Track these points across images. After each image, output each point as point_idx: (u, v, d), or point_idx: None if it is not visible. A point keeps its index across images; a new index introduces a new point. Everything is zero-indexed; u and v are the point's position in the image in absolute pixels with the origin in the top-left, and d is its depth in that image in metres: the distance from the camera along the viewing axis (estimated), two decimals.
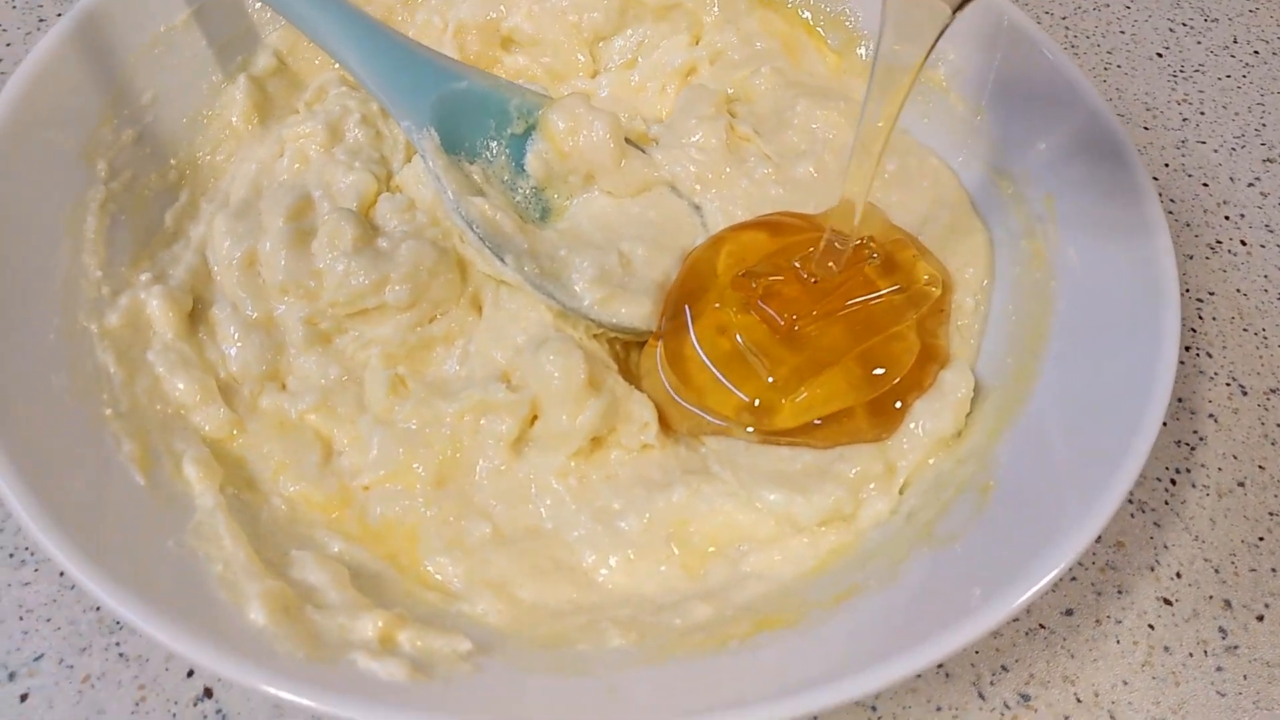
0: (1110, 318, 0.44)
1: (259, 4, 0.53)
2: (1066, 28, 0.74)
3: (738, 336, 0.46)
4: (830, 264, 0.47)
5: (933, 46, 0.38)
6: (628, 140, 0.52)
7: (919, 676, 0.45)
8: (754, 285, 0.47)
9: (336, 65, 0.54)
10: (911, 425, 0.45)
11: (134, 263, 0.46)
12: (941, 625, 0.35)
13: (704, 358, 0.46)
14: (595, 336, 0.49)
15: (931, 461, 0.45)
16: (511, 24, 0.58)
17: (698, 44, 0.59)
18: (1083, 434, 0.41)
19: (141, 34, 0.49)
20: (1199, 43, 0.74)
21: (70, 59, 0.47)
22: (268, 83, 0.53)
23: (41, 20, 0.67)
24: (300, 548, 0.40)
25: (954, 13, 0.37)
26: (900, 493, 0.44)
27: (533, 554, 0.42)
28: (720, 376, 0.46)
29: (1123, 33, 0.74)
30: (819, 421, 0.45)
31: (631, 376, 0.48)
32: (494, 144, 0.50)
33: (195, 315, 0.46)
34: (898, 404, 0.45)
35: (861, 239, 0.48)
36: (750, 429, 0.45)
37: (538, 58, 0.59)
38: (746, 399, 0.45)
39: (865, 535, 0.43)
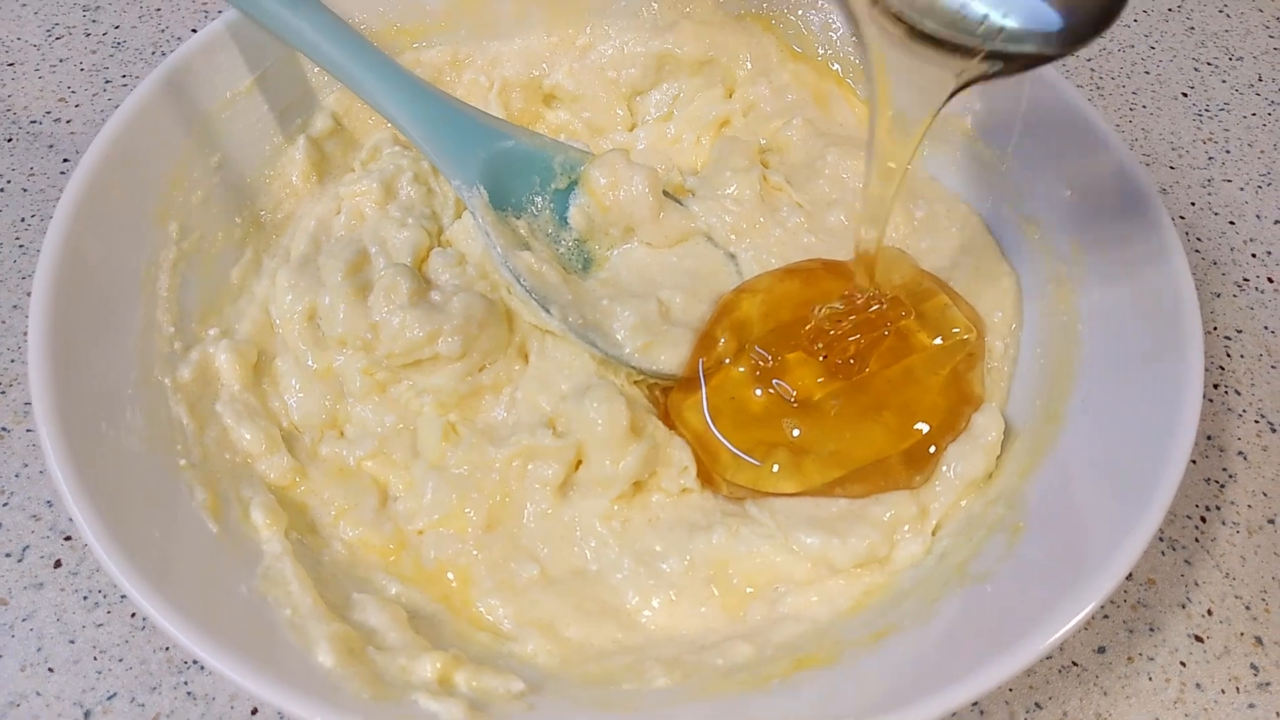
0: (1135, 360, 0.45)
1: (317, 69, 0.56)
2: (1092, 69, 0.75)
3: (759, 392, 0.48)
4: (855, 333, 0.48)
5: (942, 107, 0.39)
6: (665, 193, 0.54)
7: (953, 714, 0.46)
8: (768, 361, 0.48)
9: (390, 125, 0.57)
10: (944, 468, 0.46)
11: (203, 318, 0.49)
12: (976, 663, 0.36)
13: (730, 409, 0.48)
14: (636, 382, 0.50)
15: (963, 503, 0.46)
16: (553, 81, 0.60)
17: (731, 97, 0.61)
18: (1110, 474, 0.42)
19: (210, 100, 0.52)
20: (1224, 81, 0.75)
21: (144, 126, 0.49)
22: (325, 143, 0.56)
23: (108, 82, 0.71)
24: (360, 590, 0.42)
25: (957, 89, 0.37)
26: (933, 534, 0.45)
27: (579, 595, 0.44)
28: (744, 429, 0.47)
29: (1147, 73, 0.75)
30: (850, 472, 0.47)
31: (669, 421, 0.50)
32: (539, 199, 0.53)
33: (259, 367, 0.49)
34: (931, 449, 0.47)
35: (884, 297, 0.49)
36: (779, 478, 0.47)
37: (578, 113, 0.61)
38: (773, 450, 0.47)
39: (899, 576, 0.44)
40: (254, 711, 0.45)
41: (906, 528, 0.45)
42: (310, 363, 0.49)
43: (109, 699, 0.45)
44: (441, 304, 0.48)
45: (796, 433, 0.47)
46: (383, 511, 0.46)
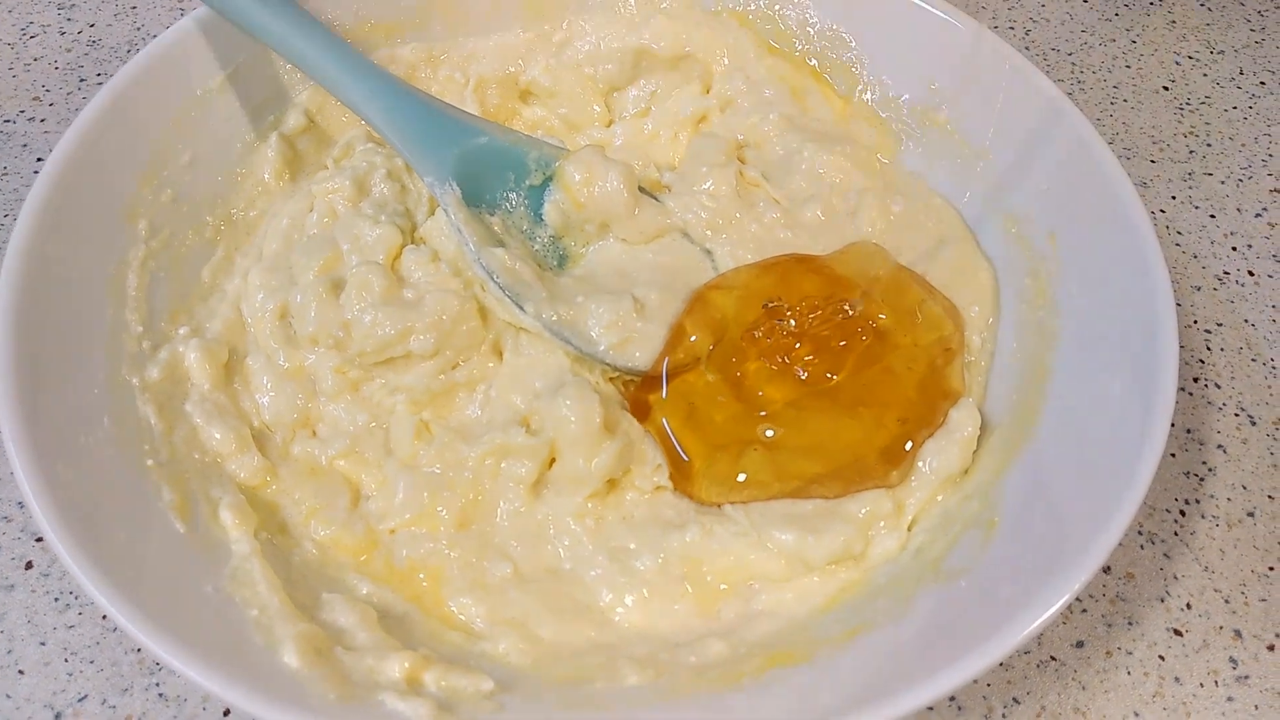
0: (1111, 354, 0.45)
1: (289, 66, 0.55)
2: (1073, 63, 0.75)
3: (730, 393, 0.48)
4: (830, 335, 0.48)
5: None
6: (641, 189, 0.53)
7: (931, 710, 0.46)
8: (740, 361, 0.48)
9: (363, 123, 0.56)
10: (920, 464, 0.46)
11: (173, 317, 0.48)
12: (950, 658, 0.35)
13: (702, 408, 0.48)
14: (611, 380, 0.50)
15: (939, 499, 0.46)
16: (529, 77, 0.60)
17: (708, 93, 0.60)
18: (1086, 468, 0.42)
19: (179, 98, 0.52)
20: (1205, 75, 0.75)
21: (112, 124, 0.49)
22: (298, 141, 0.55)
23: (82, 80, 0.70)
24: (331, 590, 0.41)
25: None
26: (908, 530, 0.45)
27: (552, 593, 0.43)
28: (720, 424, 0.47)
29: (1128, 67, 0.75)
30: (826, 470, 0.46)
31: (641, 417, 0.49)
32: (513, 195, 0.52)
33: (230, 366, 0.48)
34: (909, 445, 0.46)
35: (856, 301, 0.49)
36: (749, 486, 0.46)
37: (555, 109, 0.60)
38: (746, 449, 0.46)
39: (874, 572, 0.44)
40: (226, 713, 0.45)
41: (882, 523, 0.44)
42: (282, 361, 0.48)
43: (80, 701, 0.45)
44: (414, 301, 0.47)
45: (770, 433, 0.47)
46: (354, 511, 0.46)
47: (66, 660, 0.46)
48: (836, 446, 0.46)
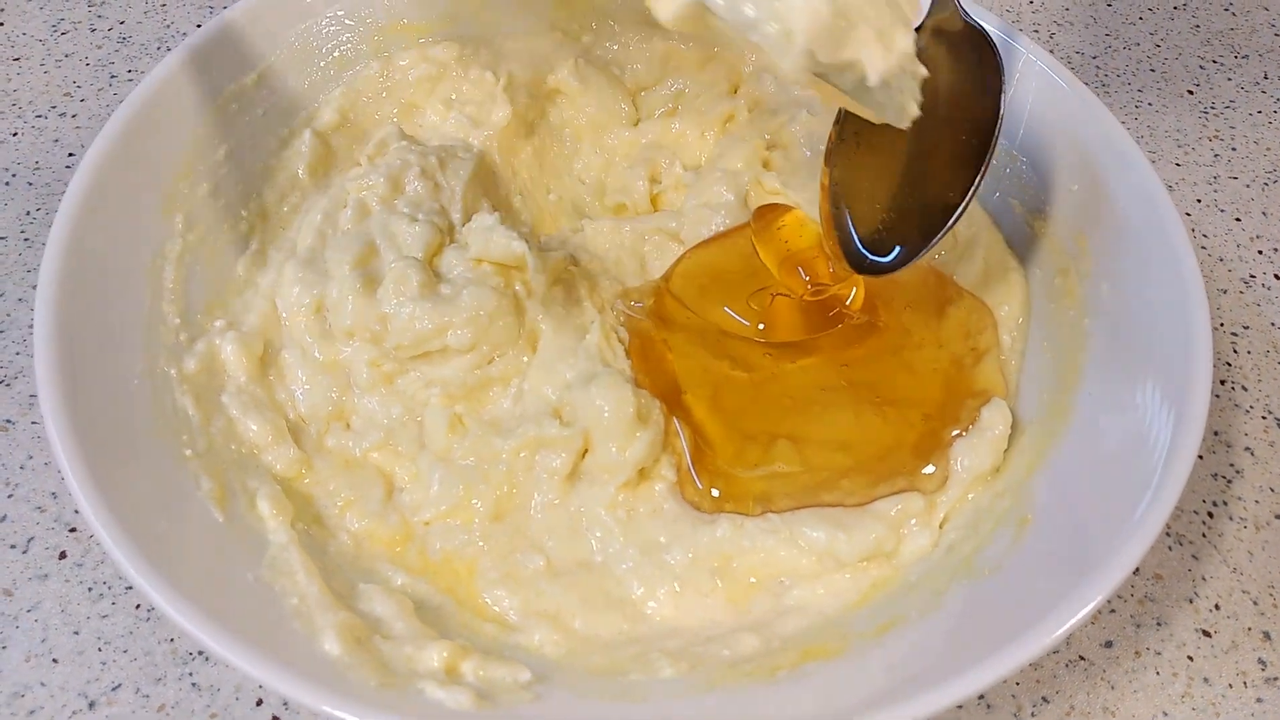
0: (1143, 354, 0.45)
1: (322, 63, 0.56)
2: (1097, 67, 0.75)
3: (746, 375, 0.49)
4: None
5: None
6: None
7: (960, 708, 0.46)
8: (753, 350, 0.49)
9: (396, 119, 0.57)
10: (952, 463, 0.46)
11: (209, 310, 0.49)
12: (983, 655, 0.36)
13: (726, 401, 0.49)
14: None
15: (970, 497, 0.46)
16: (558, 78, 0.60)
17: (735, 93, 0.61)
18: (1118, 468, 0.42)
19: (216, 92, 0.52)
20: (1229, 79, 0.75)
21: (151, 118, 0.49)
22: (331, 137, 0.56)
23: (113, 77, 0.71)
24: (366, 581, 0.42)
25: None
26: (940, 527, 0.45)
27: (584, 586, 0.44)
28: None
29: (1153, 70, 0.75)
30: (855, 463, 0.47)
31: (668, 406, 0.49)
32: None
33: (265, 359, 0.49)
34: (940, 442, 0.47)
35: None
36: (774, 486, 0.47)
37: (583, 109, 0.61)
38: (774, 442, 0.47)
39: (906, 569, 0.44)
40: (259, 703, 0.45)
41: (913, 521, 0.45)
42: (317, 355, 0.49)
43: (113, 690, 0.45)
44: (451, 297, 0.48)
45: (794, 424, 0.47)
46: (389, 503, 0.46)
47: (100, 650, 0.46)
48: (862, 440, 0.47)
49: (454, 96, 0.58)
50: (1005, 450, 0.47)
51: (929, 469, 0.46)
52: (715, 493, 0.46)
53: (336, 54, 0.57)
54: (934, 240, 0.46)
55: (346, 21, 0.57)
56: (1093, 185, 0.51)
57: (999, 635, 0.36)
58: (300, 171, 0.54)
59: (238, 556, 0.40)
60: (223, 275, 0.51)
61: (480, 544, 0.45)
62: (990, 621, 0.39)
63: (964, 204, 0.45)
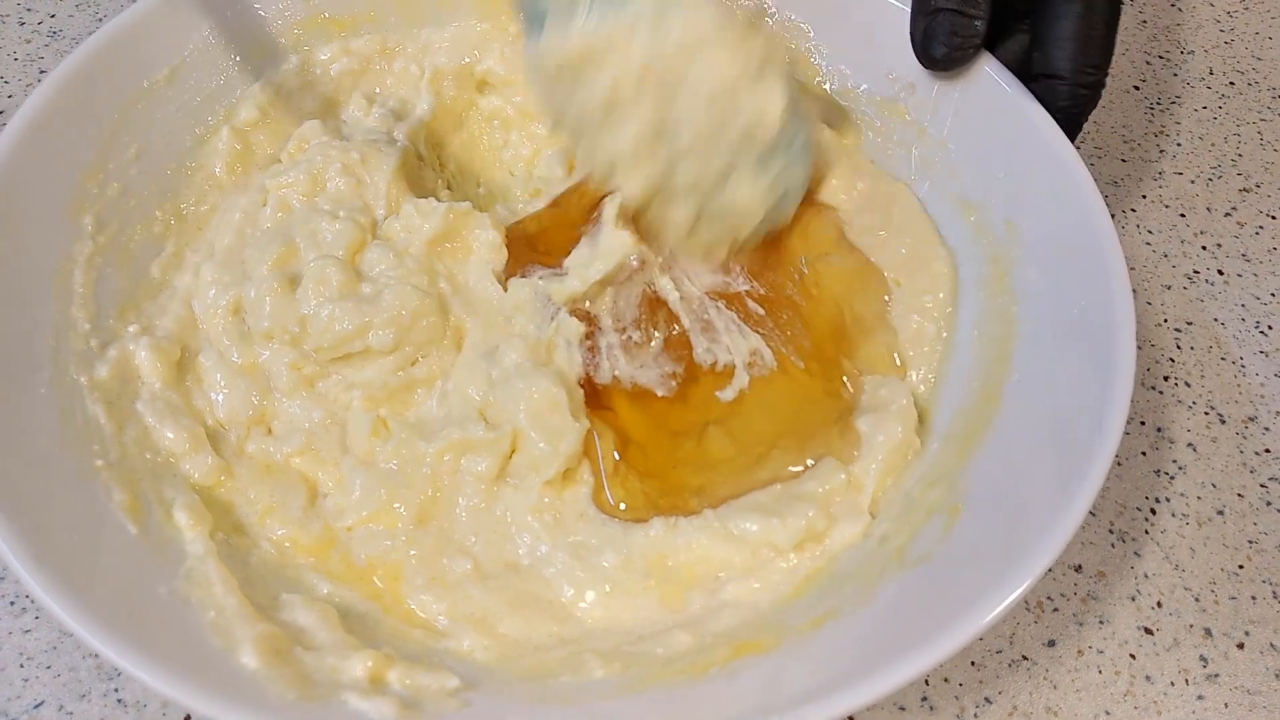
0: (1070, 341, 0.48)
1: (239, 56, 0.58)
2: None
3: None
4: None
5: None
6: None
7: (903, 709, 0.49)
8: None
9: (318, 114, 0.59)
10: (861, 428, 0.50)
11: (121, 314, 0.50)
12: (915, 644, 0.38)
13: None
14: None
15: (898, 483, 0.49)
16: (485, 67, 0.63)
17: None
18: (1047, 454, 0.45)
19: (125, 90, 0.54)
20: (1175, 75, 0.79)
21: (56, 117, 0.51)
22: (250, 134, 0.58)
23: (43, 72, 0.73)
24: (290, 590, 0.43)
25: None
26: (871, 514, 0.48)
27: (513, 589, 0.46)
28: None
29: None
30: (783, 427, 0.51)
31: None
32: None
33: (182, 364, 0.50)
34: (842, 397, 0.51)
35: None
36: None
37: (510, 98, 0.64)
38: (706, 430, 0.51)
39: (839, 560, 0.46)
40: (187, 718, 0.46)
41: (839, 501, 0.47)
42: (235, 358, 0.50)
43: (35, 707, 0.46)
44: (372, 296, 0.50)
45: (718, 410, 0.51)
46: (311, 509, 0.48)
47: (22, 666, 0.47)
48: (780, 400, 0.51)
49: (377, 90, 0.60)
50: (938, 440, 0.50)
51: (839, 430, 0.50)
52: (623, 506, 0.49)
53: (253, 48, 0.59)
54: None
55: (262, 14, 0.58)
56: (1019, 172, 0.54)
57: (931, 624, 0.39)
58: (218, 170, 0.56)
59: (153, 570, 0.41)
60: (136, 278, 0.52)
61: (406, 549, 0.46)
62: (922, 611, 0.41)
63: None
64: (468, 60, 0.63)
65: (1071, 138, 0.53)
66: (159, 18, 0.55)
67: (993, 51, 0.57)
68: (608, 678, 0.41)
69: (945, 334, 0.54)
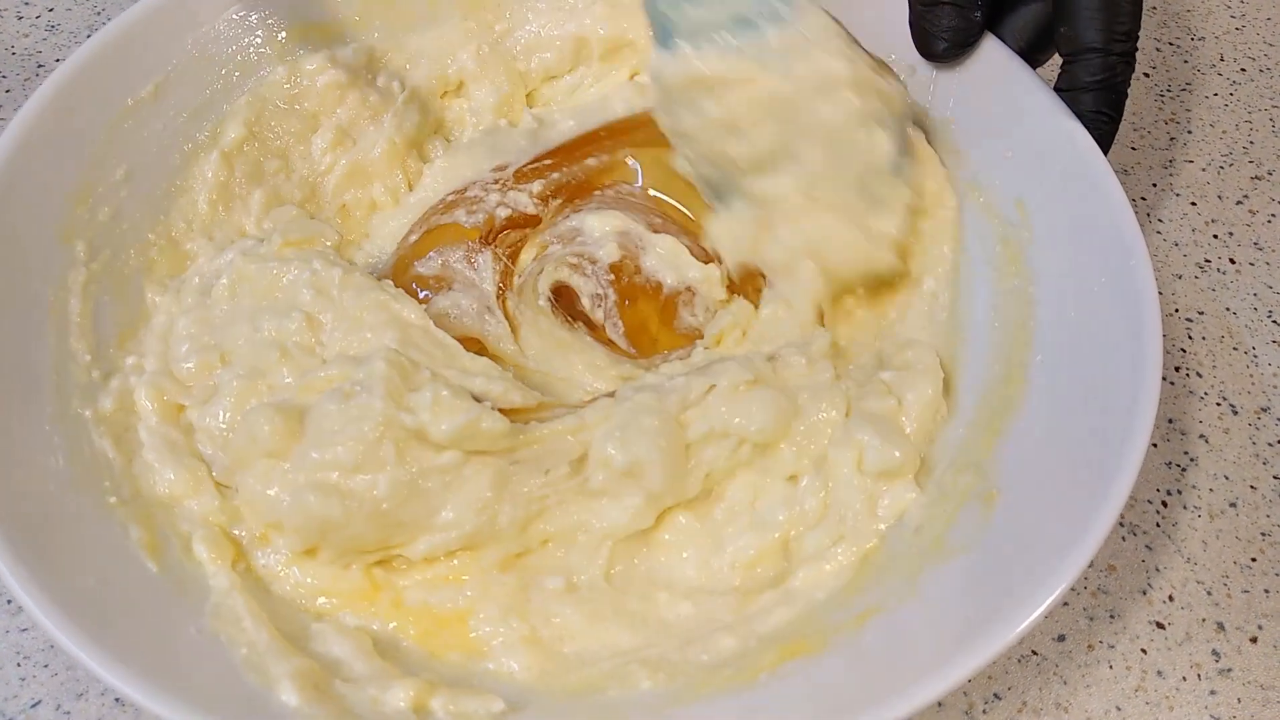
0: (1093, 316, 0.51)
1: (223, 70, 0.60)
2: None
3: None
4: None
5: None
6: None
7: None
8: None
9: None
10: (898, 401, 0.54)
11: (121, 343, 0.53)
12: (966, 640, 0.40)
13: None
14: None
15: (925, 465, 0.52)
16: (458, 66, 0.67)
17: (633, 79, 0.69)
18: (1078, 431, 0.47)
19: (109, 109, 0.56)
20: (1186, 61, 0.83)
21: (40, 140, 0.52)
22: (236, 160, 0.59)
23: (40, 66, 0.77)
24: (319, 620, 0.46)
25: None
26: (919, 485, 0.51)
27: (603, 600, 0.48)
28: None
29: None
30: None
31: None
32: None
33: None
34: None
35: None
36: None
37: (480, 97, 0.68)
38: None
39: (880, 551, 0.49)
40: None
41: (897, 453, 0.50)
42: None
43: (33, 706, 0.50)
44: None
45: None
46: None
47: (19, 665, 0.51)
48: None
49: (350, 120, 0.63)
50: (968, 420, 0.53)
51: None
52: None
53: (239, 59, 0.61)
54: None
55: (248, 21, 0.61)
56: (1027, 150, 0.57)
57: (980, 617, 0.41)
58: (202, 204, 0.58)
59: (178, 608, 0.44)
60: (134, 305, 0.55)
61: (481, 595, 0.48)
62: (968, 604, 0.43)
63: None
64: (450, 72, 0.67)
65: (1117, 113, 0.56)
66: (142, 32, 0.57)
67: (1001, 26, 0.60)
68: (655, 689, 0.43)
69: (943, 298, 0.59)
